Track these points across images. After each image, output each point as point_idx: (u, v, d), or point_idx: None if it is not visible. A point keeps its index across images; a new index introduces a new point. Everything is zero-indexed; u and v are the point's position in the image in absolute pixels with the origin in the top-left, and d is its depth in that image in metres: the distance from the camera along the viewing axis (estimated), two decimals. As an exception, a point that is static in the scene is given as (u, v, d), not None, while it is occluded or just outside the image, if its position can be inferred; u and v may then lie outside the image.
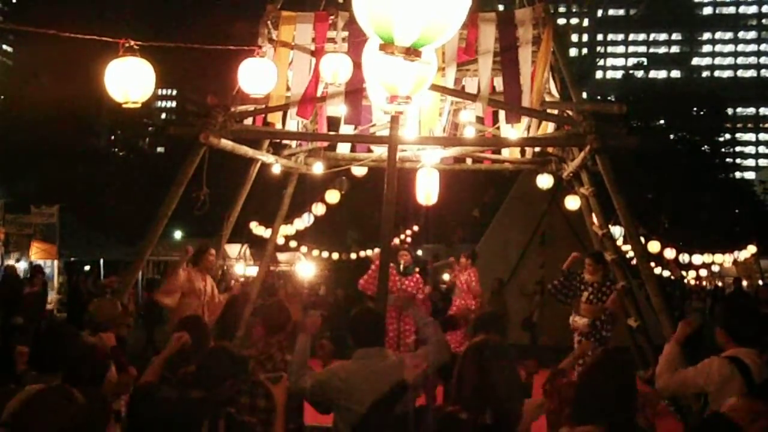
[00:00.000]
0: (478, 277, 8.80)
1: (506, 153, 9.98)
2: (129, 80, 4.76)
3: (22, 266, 16.30)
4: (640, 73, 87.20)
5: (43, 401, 2.15)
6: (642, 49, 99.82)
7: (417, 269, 8.90)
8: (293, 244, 18.83)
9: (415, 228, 22.33)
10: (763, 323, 3.89)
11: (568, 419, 2.68)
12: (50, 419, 2.07)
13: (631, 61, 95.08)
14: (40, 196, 21.36)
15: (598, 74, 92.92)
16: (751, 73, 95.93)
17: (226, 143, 7.64)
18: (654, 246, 16.48)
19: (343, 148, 10.05)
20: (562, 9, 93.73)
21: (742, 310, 3.94)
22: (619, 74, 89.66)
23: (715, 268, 23.59)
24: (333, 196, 12.49)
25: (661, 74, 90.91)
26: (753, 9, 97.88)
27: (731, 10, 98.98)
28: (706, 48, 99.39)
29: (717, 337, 3.74)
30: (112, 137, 47.61)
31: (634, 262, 10.01)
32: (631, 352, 8.45)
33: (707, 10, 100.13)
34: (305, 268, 14.53)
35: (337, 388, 3.55)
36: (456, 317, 7.76)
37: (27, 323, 10.12)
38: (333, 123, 9.20)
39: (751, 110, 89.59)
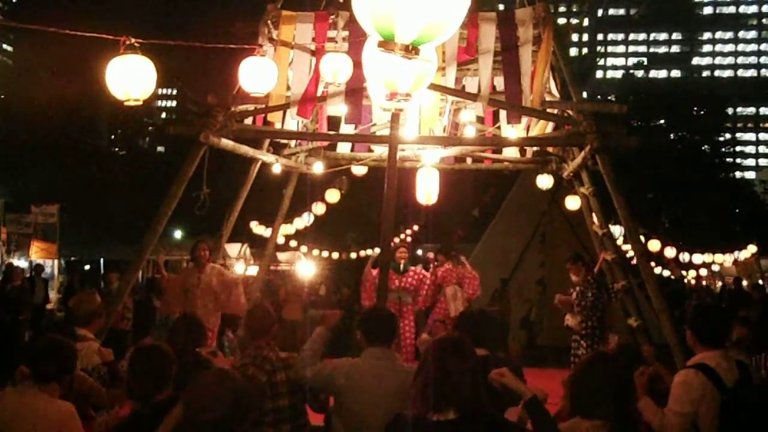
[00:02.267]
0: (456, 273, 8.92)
1: (507, 153, 9.98)
2: (130, 78, 4.75)
3: (22, 265, 16.30)
4: (640, 73, 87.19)
5: (207, 382, 2.37)
6: (642, 48, 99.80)
7: (412, 267, 8.93)
8: (293, 243, 18.82)
9: (415, 228, 22.31)
10: (729, 323, 3.88)
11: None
12: (213, 399, 2.26)
13: (631, 60, 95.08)
14: (41, 195, 21.37)
15: (598, 74, 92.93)
16: (751, 73, 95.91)
17: (227, 143, 7.64)
18: (654, 245, 16.48)
19: (343, 148, 10.05)
20: (562, 9, 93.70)
21: (708, 311, 3.92)
22: (619, 74, 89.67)
23: (715, 268, 23.54)
24: (333, 196, 12.48)
25: (661, 74, 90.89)
26: (753, 9, 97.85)
27: (731, 10, 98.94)
28: (707, 48, 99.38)
29: (687, 338, 3.72)
30: (113, 136, 47.63)
31: (634, 261, 10.01)
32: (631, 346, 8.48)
33: (707, 10, 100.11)
34: (305, 267, 14.52)
35: (339, 384, 3.51)
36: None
37: (15, 319, 10.10)
38: (333, 122, 9.21)
39: (751, 110, 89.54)
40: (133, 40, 4.70)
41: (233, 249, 14.16)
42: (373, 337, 3.57)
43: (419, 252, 22.80)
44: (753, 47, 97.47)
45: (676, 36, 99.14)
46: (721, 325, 3.72)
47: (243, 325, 4.26)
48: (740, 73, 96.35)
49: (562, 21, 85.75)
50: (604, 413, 2.49)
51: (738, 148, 79.88)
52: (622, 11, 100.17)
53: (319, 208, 13.52)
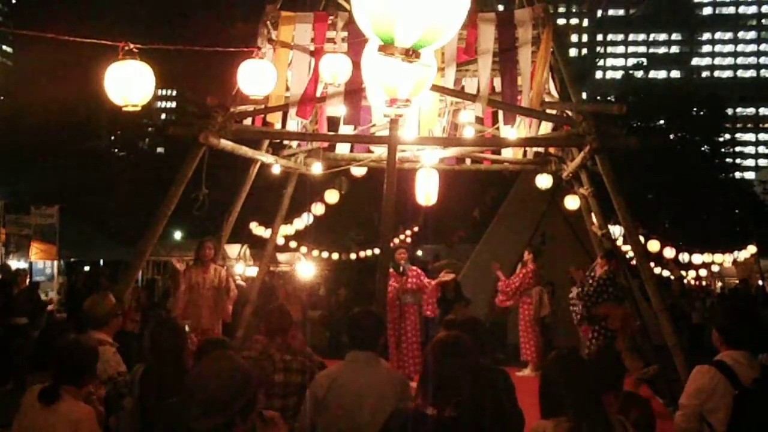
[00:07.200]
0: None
1: (506, 153, 9.98)
2: (128, 84, 4.74)
3: (20, 266, 16.27)
4: (640, 73, 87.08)
5: (209, 365, 2.34)
6: (642, 49, 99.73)
7: (411, 266, 8.88)
8: (293, 244, 18.81)
9: (415, 228, 22.29)
10: (758, 325, 3.88)
11: None
12: (215, 380, 2.24)
13: (631, 61, 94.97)
14: (40, 196, 21.37)
15: (598, 74, 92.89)
16: (751, 73, 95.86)
17: (226, 143, 7.64)
18: (653, 246, 16.45)
19: (342, 149, 10.05)
20: (561, 9, 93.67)
21: (737, 313, 3.92)
22: (619, 74, 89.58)
23: (715, 268, 23.53)
24: (333, 196, 12.49)
25: (661, 74, 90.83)
26: (753, 9, 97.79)
27: (731, 10, 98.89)
28: (706, 48, 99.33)
29: (712, 338, 3.74)
30: (112, 137, 47.56)
31: (634, 262, 10.01)
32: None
33: (707, 11, 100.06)
34: (305, 268, 14.50)
35: (321, 396, 3.41)
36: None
37: (29, 323, 10.11)
38: (333, 123, 9.21)
39: (751, 110, 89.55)
40: (131, 46, 4.68)
41: (233, 250, 14.16)
42: (356, 341, 3.55)
43: (419, 252, 22.80)
44: (753, 48, 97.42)
45: (675, 36, 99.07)
46: (746, 327, 3.71)
47: (261, 324, 4.24)
48: (740, 73, 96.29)
49: (561, 21, 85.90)
50: (567, 410, 2.50)
51: (737, 149, 79.86)
52: (622, 11, 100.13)
53: (318, 209, 13.52)
